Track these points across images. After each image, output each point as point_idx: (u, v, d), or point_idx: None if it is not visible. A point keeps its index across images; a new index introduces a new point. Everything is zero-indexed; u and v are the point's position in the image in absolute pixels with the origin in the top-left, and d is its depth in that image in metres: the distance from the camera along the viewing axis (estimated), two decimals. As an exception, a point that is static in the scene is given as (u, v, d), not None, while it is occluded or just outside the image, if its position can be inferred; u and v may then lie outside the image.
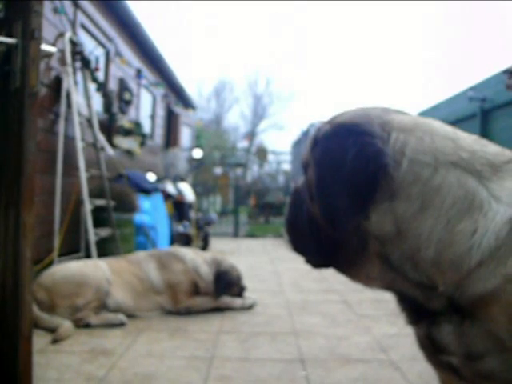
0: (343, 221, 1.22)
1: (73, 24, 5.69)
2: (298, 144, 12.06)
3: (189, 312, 4.14)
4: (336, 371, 2.92)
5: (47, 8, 4.91)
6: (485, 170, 1.17)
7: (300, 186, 1.43)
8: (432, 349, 1.22)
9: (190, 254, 4.48)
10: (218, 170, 20.99)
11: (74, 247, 5.39)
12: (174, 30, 58.79)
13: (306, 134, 10.38)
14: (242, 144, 34.88)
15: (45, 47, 2.16)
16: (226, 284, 4.31)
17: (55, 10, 5.04)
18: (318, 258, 1.41)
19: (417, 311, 1.23)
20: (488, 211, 1.12)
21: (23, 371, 1.90)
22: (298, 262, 6.09)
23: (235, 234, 12.95)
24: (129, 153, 7.75)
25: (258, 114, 38.76)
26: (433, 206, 1.16)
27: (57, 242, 4.90)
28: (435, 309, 1.18)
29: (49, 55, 2.08)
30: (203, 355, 3.19)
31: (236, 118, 40.02)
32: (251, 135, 35.85)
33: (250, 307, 4.39)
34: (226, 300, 4.31)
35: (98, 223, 5.41)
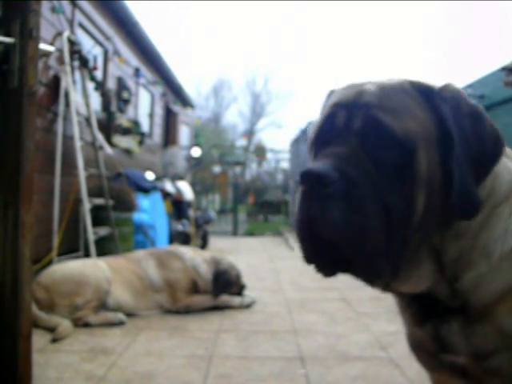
0: (477, 207, 1.07)
1: (71, 23, 5.68)
2: (296, 142, 12.04)
3: (188, 311, 4.15)
4: (335, 369, 2.92)
5: (45, 7, 4.90)
6: None
7: (357, 180, 1.02)
8: (436, 349, 1.21)
9: (189, 252, 4.49)
10: (217, 169, 20.98)
11: (73, 246, 5.39)
12: (172, 29, 58.77)
13: (304, 132, 10.37)
14: (241, 142, 34.86)
15: (43, 46, 2.16)
16: (225, 283, 4.32)
17: (53, 10, 5.03)
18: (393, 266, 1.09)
19: (427, 311, 1.20)
20: None
21: (23, 370, 1.91)
22: (296, 260, 6.06)
23: (234, 233, 12.97)
24: (127, 152, 7.75)
25: (257, 112, 38.76)
26: (494, 193, 1.13)
27: (56, 241, 4.90)
28: (455, 307, 1.15)
29: (47, 54, 2.08)
30: (203, 354, 3.19)
31: (234, 117, 40.02)
32: (250, 133, 35.82)
33: (248, 306, 4.39)
34: (225, 298, 4.31)
35: (96, 222, 5.41)
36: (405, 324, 1.37)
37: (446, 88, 1.13)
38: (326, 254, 1.06)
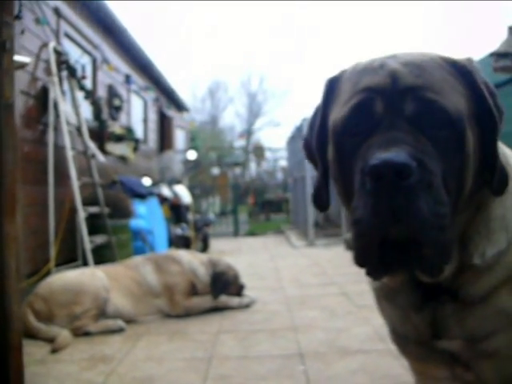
0: (508, 182, 1.10)
1: (56, 34, 5.67)
2: (292, 140, 12.02)
3: (188, 314, 4.14)
4: (335, 364, 2.92)
5: (29, 19, 4.90)
6: None
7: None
8: (429, 336, 1.20)
9: (186, 255, 4.50)
10: (216, 171, 20.95)
11: (71, 256, 5.39)
12: (165, 32, 58.82)
13: (299, 129, 10.35)
14: (240, 143, 34.83)
15: (18, 58, 2.16)
16: (223, 284, 4.31)
17: (37, 21, 5.02)
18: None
19: (425, 296, 1.18)
20: None
21: (15, 382, 1.90)
22: (297, 258, 6.09)
23: (235, 234, 12.95)
24: (122, 158, 7.75)
25: (254, 112, 38.71)
26: None
27: (53, 252, 4.89)
28: (453, 290, 1.15)
29: (23, 66, 2.08)
30: (202, 356, 3.19)
31: (232, 118, 40.03)
32: (247, 133, 35.79)
33: (247, 305, 4.38)
34: (224, 299, 4.31)
35: (94, 231, 5.41)
36: (388, 317, 1.36)
37: (473, 64, 1.12)
38: (393, 253, 0.99)
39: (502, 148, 1.21)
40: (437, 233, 0.95)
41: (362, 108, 1.05)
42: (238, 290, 4.48)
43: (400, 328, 1.30)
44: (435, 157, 0.98)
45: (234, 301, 4.36)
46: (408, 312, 1.23)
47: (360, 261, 1.03)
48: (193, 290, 4.25)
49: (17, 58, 2.19)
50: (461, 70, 1.09)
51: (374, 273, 1.06)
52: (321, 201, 1.28)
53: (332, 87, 1.21)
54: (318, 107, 1.26)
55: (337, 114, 1.12)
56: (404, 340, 1.31)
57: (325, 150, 1.19)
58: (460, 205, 1.06)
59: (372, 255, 1.00)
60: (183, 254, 4.51)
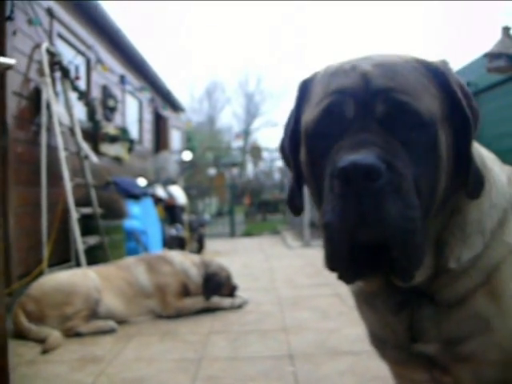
0: (484, 186, 1.10)
1: (49, 34, 5.66)
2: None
3: (179, 315, 4.14)
4: (324, 365, 2.91)
5: (22, 20, 4.89)
6: None
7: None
8: (407, 340, 1.20)
9: (178, 256, 4.50)
10: (213, 171, 20.95)
11: (64, 257, 5.39)
12: (164, 33, 58.82)
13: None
14: (237, 143, 34.83)
15: (4, 60, 2.15)
16: (215, 285, 4.31)
17: (30, 22, 5.01)
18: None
19: (402, 300, 1.18)
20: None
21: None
22: (292, 259, 6.07)
23: (232, 234, 12.95)
24: (117, 159, 7.74)
25: (251, 112, 38.72)
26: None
27: (46, 253, 4.89)
28: (429, 293, 1.15)
29: (9, 67, 2.06)
30: (192, 356, 3.19)
31: (229, 118, 40.00)
32: (245, 134, 35.78)
33: (239, 306, 4.38)
34: (215, 300, 4.31)
35: (87, 231, 5.42)
36: (367, 320, 1.36)
37: (447, 66, 1.11)
38: (364, 257, 0.98)
39: (479, 150, 1.21)
40: (406, 236, 0.94)
41: (333, 110, 1.04)
42: (231, 290, 4.49)
43: (379, 331, 1.30)
44: (406, 159, 0.97)
45: (226, 302, 4.36)
46: (386, 316, 1.23)
47: (331, 265, 1.03)
48: (185, 291, 4.25)
49: (2, 59, 2.18)
50: (435, 72, 1.08)
51: (345, 277, 1.06)
52: (294, 204, 1.27)
53: (305, 89, 1.19)
54: (292, 109, 1.25)
55: (308, 116, 1.11)
56: (383, 344, 1.31)
57: (298, 153, 1.18)
58: (433, 208, 1.05)
59: (342, 259, 0.99)
60: (175, 255, 4.51)
